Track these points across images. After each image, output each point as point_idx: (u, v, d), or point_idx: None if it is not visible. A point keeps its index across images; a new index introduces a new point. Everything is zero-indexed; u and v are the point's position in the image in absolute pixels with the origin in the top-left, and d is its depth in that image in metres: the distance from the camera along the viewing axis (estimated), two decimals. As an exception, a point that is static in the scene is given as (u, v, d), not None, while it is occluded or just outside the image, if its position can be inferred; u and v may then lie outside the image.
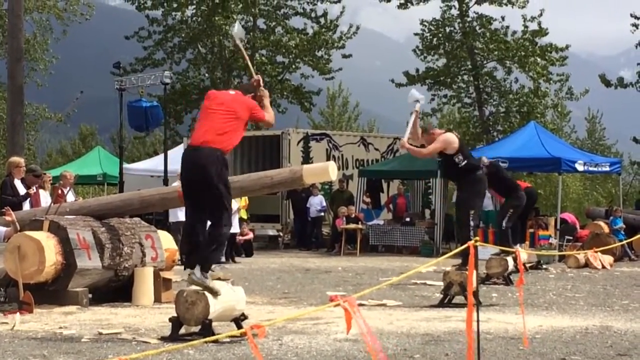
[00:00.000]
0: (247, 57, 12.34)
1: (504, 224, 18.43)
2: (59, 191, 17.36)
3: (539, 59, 39.07)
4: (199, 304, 9.86)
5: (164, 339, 9.98)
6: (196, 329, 9.95)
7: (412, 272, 8.86)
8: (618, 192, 33.74)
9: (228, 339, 9.57)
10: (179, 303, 9.98)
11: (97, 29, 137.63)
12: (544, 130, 30.20)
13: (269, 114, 10.91)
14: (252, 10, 39.82)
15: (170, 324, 10.03)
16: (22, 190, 16.53)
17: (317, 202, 29.40)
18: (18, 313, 11.90)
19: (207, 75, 41.74)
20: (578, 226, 27.79)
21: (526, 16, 38.97)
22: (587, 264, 22.03)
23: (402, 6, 39.96)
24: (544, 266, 21.62)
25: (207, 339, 8.00)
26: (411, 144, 15.08)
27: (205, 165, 10.23)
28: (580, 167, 26.20)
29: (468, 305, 8.17)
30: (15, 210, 14.40)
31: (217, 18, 38.32)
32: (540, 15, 38.99)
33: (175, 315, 10.01)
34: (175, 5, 39.82)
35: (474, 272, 8.58)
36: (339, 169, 28.85)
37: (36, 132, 44.18)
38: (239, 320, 10.34)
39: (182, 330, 10.12)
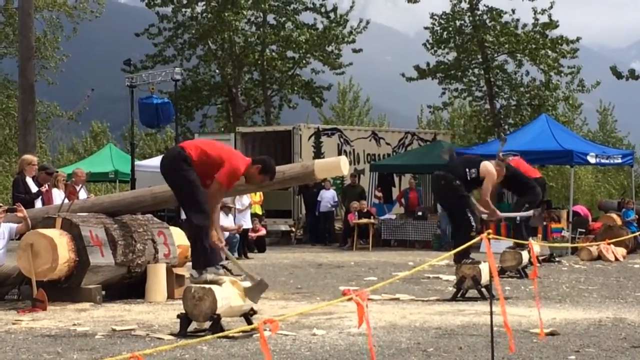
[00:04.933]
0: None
1: (518, 218, 18.41)
2: (71, 189, 17.42)
3: (549, 52, 38.95)
4: (206, 300, 9.87)
5: (174, 335, 10.00)
6: (208, 324, 9.97)
7: (423, 266, 8.86)
8: (630, 184, 33.67)
9: (241, 335, 9.58)
10: (187, 299, 9.99)
11: (107, 26, 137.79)
12: (556, 122, 30.12)
13: (218, 189, 10.44)
14: (262, 6, 39.76)
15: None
16: (34, 188, 16.61)
17: (329, 197, 29.39)
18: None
19: (217, 71, 41.70)
20: (590, 219, 27.75)
21: (536, 9, 38.84)
22: (599, 257, 22.00)
23: (411, 0, 39.90)
24: (557, 259, 21.59)
25: (221, 334, 8.02)
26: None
27: (165, 161, 10.87)
28: (592, 160, 26.12)
29: (500, 298, 8.22)
30: (27, 208, 14.45)
31: (227, 14, 38.27)
32: (551, 7, 38.87)
33: (184, 311, 10.03)
34: (185, 1, 39.81)
35: (486, 264, 8.58)
36: (350, 163, 28.88)
37: (48, 130, 44.20)
38: (248, 316, 10.35)
39: (195, 326, 10.14)
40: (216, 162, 10.44)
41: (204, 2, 40.09)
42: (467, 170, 14.40)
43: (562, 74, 39.68)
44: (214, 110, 42.99)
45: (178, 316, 10.11)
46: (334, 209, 29.73)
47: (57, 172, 18.65)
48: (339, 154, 30.34)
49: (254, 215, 25.64)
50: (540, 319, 9.71)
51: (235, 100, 40.78)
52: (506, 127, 39.97)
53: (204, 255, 10.34)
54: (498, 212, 15.37)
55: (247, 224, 24.35)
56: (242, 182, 10.91)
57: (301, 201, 30.43)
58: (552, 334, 9.91)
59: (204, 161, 10.49)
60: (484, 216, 15.40)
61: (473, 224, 14.04)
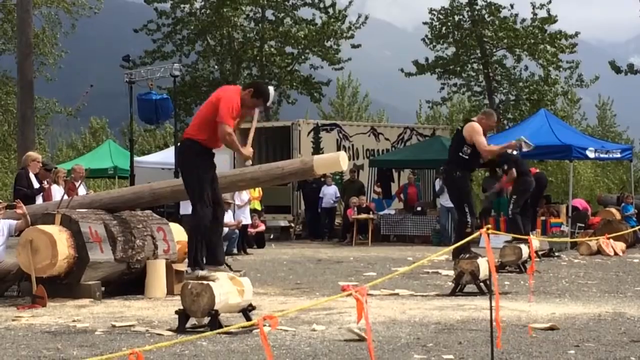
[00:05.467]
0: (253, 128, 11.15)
1: (510, 211, 18.41)
2: (71, 185, 17.42)
3: (548, 47, 38.97)
4: (204, 296, 9.86)
5: (173, 331, 9.99)
6: (207, 320, 9.97)
7: (423, 261, 8.86)
8: (629, 178, 33.67)
9: (241, 330, 9.58)
10: (185, 295, 9.99)
11: (105, 22, 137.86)
12: (555, 117, 30.13)
13: (226, 131, 10.28)
14: (261, 2, 39.78)
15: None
16: (36, 184, 16.66)
17: (331, 193, 29.40)
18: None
19: (216, 67, 41.73)
20: (590, 212, 27.77)
21: (535, 3, 38.89)
22: (599, 251, 22.01)
23: (410, -5, 39.96)
24: (556, 254, 21.60)
25: (220, 330, 8.02)
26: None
27: (178, 155, 10.87)
28: (591, 154, 26.14)
29: (495, 294, 8.20)
30: (29, 204, 14.45)
31: (225, 10, 38.30)
32: (549, 2, 38.90)
33: (182, 307, 10.03)
34: (183, -3, 39.84)
35: (484, 259, 8.57)
36: (349, 159, 28.86)
37: (47, 127, 44.21)
38: (247, 311, 10.35)
39: (194, 322, 10.14)
40: (213, 111, 10.43)
41: (202, -2, 40.12)
42: (460, 153, 14.34)
43: (561, 69, 39.72)
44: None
45: (176, 312, 10.10)
46: (336, 204, 29.75)
47: (56, 168, 18.66)
48: (338, 149, 30.34)
49: (253, 211, 25.64)
50: (538, 314, 9.69)
51: (234, 96, 40.74)
52: (505, 122, 39.98)
53: (198, 253, 10.40)
54: (509, 143, 15.34)
55: (246, 219, 24.35)
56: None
57: (300, 197, 30.44)
58: (551, 328, 9.92)
59: (207, 122, 10.50)
60: (512, 151, 15.41)
61: (468, 220, 14.05)
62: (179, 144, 10.77)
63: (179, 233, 14.64)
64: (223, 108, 10.32)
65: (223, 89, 10.90)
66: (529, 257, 16.47)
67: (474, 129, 14.16)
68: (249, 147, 10.71)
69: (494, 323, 8.24)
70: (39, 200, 16.46)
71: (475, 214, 14.34)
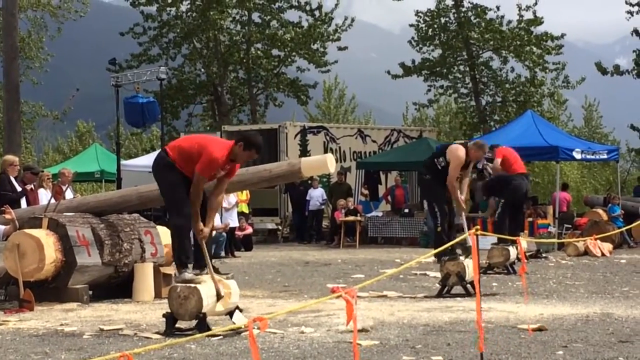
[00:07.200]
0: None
1: (496, 217, 18.42)
2: (58, 188, 17.38)
3: (534, 48, 39.08)
4: (191, 299, 9.85)
5: (160, 334, 9.97)
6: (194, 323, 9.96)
7: (411, 263, 8.86)
8: (616, 179, 33.75)
9: (230, 333, 9.57)
10: (172, 298, 9.97)
11: (91, 26, 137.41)
12: (541, 119, 30.18)
13: (199, 182, 10.36)
14: (247, 4, 39.75)
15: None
16: (17, 187, 16.58)
17: (318, 195, 29.40)
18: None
19: (202, 70, 41.67)
20: (569, 199, 28.03)
21: (521, 5, 38.99)
22: (586, 252, 22.05)
23: (396, -3, 39.99)
24: (544, 255, 21.61)
25: (209, 332, 8.01)
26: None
27: (153, 164, 11.09)
28: (577, 155, 26.17)
29: (476, 295, 8.19)
30: (13, 208, 14.40)
31: (212, 13, 38.24)
32: (535, 4, 39.01)
33: (169, 311, 10.01)
34: (169, 0, 39.73)
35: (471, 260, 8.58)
36: (336, 161, 28.88)
37: (33, 130, 44.14)
38: (233, 314, 10.34)
39: (183, 325, 10.13)
40: (194, 154, 10.44)
41: (188, 1, 40.06)
42: (435, 160, 14.35)
43: (547, 70, 39.81)
44: (200, 109, 42.97)
45: (164, 315, 10.09)
46: (322, 206, 29.74)
47: (42, 171, 18.61)
48: (325, 151, 30.32)
49: (240, 214, 25.62)
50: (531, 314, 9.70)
51: (221, 98, 40.75)
52: (492, 123, 40.07)
53: (180, 255, 10.40)
54: (462, 204, 14.59)
55: (233, 222, 24.33)
56: (238, 179, 10.90)
57: (288, 199, 30.42)
58: (539, 329, 9.93)
59: (184, 157, 10.54)
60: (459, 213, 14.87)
61: (439, 218, 14.09)
62: (152, 148, 10.97)
63: (166, 236, 14.60)
64: (203, 163, 10.29)
65: (214, 141, 10.87)
66: (518, 258, 16.49)
67: (456, 158, 14.14)
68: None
69: (482, 324, 8.24)
70: (24, 203, 16.40)
71: (447, 214, 14.29)
